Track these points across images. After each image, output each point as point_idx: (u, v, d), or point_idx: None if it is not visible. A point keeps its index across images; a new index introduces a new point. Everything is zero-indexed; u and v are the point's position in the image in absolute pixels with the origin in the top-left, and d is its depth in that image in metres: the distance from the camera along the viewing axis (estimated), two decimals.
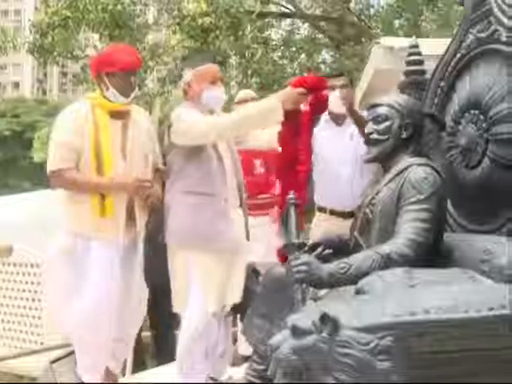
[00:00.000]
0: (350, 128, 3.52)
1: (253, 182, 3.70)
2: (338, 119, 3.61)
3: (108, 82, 3.02)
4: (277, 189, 3.83)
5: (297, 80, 2.97)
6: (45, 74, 46.67)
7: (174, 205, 2.95)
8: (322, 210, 3.63)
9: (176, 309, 2.99)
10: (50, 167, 3.00)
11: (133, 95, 3.05)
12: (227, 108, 3.64)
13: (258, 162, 3.95)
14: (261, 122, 2.89)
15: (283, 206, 2.61)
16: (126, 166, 3.00)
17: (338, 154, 3.54)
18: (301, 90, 2.79)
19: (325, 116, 3.64)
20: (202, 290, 2.87)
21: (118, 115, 3.05)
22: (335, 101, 3.45)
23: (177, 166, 2.97)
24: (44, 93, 50.33)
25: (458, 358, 1.61)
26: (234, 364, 3.64)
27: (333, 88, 3.45)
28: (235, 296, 2.94)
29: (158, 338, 4.37)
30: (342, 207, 3.44)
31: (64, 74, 45.13)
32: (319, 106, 3.41)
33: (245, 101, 3.95)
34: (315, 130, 3.62)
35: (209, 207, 2.90)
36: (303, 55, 13.01)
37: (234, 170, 3.08)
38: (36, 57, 11.00)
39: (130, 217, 3.01)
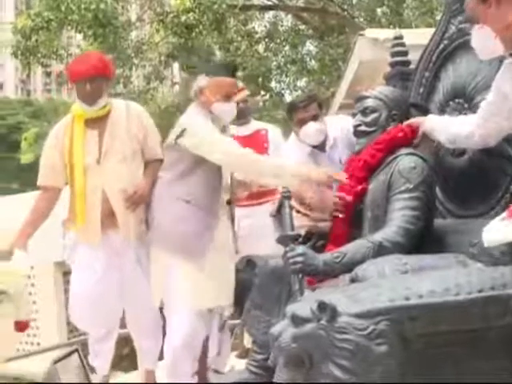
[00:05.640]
0: (337, 147, 3.43)
1: None
2: (319, 148, 3.47)
3: (76, 92, 3.12)
4: None
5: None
6: (28, 75, 46.25)
7: (164, 208, 2.93)
8: None
9: (154, 302, 3.00)
10: None
11: (100, 102, 3.05)
12: None
13: (266, 145, 3.94)
14: (274, 177, 2.72)
15: None
16: (101, 172, 3.05)
17: None
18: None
19: (306, 148, 3.47)
20: (185, 292, 2.84)
21: (95, 124, 3.09)
22: (309, 135, 3.36)
23: (178, 169, 2.91)
24: (28, 94, 49.93)
25: (450, 339, 1.68)
26: (240, 356, 3.70)
27: (304, 121, 3.34)
28: (223, 299, 2.93)
29: None
30: None
31: (48, 74, 44.74)
32: None
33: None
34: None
35: (196, 219, 2.86)
36: (287, 47, 13.03)
37: (231, 183, 3.04)
38: (20, 59, 10.94)
39: (111, 220, 3.06)
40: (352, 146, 3.10)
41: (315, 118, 3.36)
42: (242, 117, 3.81)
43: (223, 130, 2.96)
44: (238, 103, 3.17)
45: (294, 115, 3.41)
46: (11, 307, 2.91)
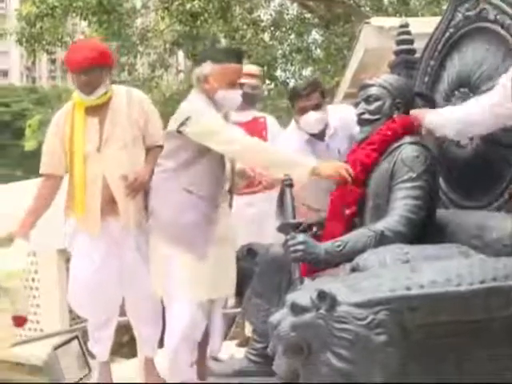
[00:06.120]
0: (337, 137, 3.39)
1: None
2: (318, 137, 3.41)
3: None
4: None
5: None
6: (33, 62, 46.23)
7: (165, 197, 2.88)
8: None
9: (156, 290, 2.97)
10: None
11: (98, 91, 2.99)
12: None
13: (265, 133, 3.89)
14: (282, 168, 2.62)
15: None
16: (101, 159, 3.02)
17: None
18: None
19: (304, 136, 3.41)
20: (184, 283, 2.80)
21: (95, 111, 3.05)
22: (308, 123, 3.31)
23: (181, 158, 2.84)
24: (33, 81, 49.94)
25: (451, 329, 1.67)
26: (241, 345, 3.69)
27: (305, 110, 3.28)
28: (225, 289, 2.92)
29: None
30: None
31: (53, 61, 44.75)
32: None
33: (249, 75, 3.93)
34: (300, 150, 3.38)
35: (197, 209, 2.81)
36: (293, 36, 12.99)
37: (231, 172, 3.00)
38: (25, 46, 10.93)
39: (111, 207, 3.04)
40: (352, 137, 3.08)
41: (317, 107, 3.30)
42: (247, 102, 3.79)
43: (225, 117, 2.91)
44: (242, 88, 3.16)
45: (296, 103, 3.36)
46: (7, 302, 2.91)
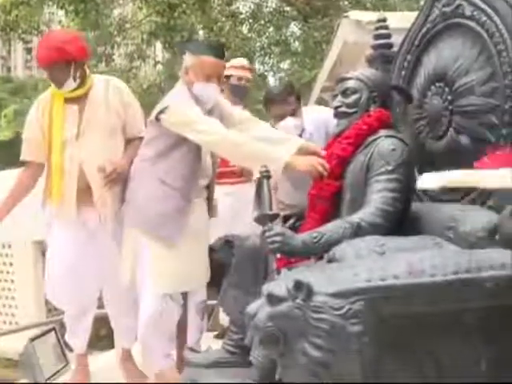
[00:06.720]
0: (312, 140, 3.30)
1: None
2: None
3: None
4: None
5: None
6: (8, 51, 45.45)
7: (139, 186, 2.89)
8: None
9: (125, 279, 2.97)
10: None
11: (68, 84, 2.99)
12: None
13: None
14: (256, 162, 2.62)
15: None
16: (79, 148, 3.02)
17: None
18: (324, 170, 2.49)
19: None
20: (153, 274, 2.82)
21: (74, 101, 3.05)
22: (287, 130, 3.22)
23: (158, 147, 2.85)
24: (8, 70, 49.18)
25: (426, 320, 1.69)
26: (218, 337, 3.71)
27: (282, 117, 3.27)
28: (195, 283, 2.95)
29: None
30: None
31: (28, 51, 44.08)
32: None
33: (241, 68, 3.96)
34: None
35: (171, 200, 2.81)
36: (271, 28, 12.99)
37: (211, 168, 3.02)
38: (0, 35, 10.78)
39: (88, 196, 3.03)
40: (327, 137, 3.10)
41: (293, 112, 3.29)
42: (235, 95, 3.80)
43: (210, 111, 2.89)
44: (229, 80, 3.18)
45: (271, 108, 3.35)
46: None
